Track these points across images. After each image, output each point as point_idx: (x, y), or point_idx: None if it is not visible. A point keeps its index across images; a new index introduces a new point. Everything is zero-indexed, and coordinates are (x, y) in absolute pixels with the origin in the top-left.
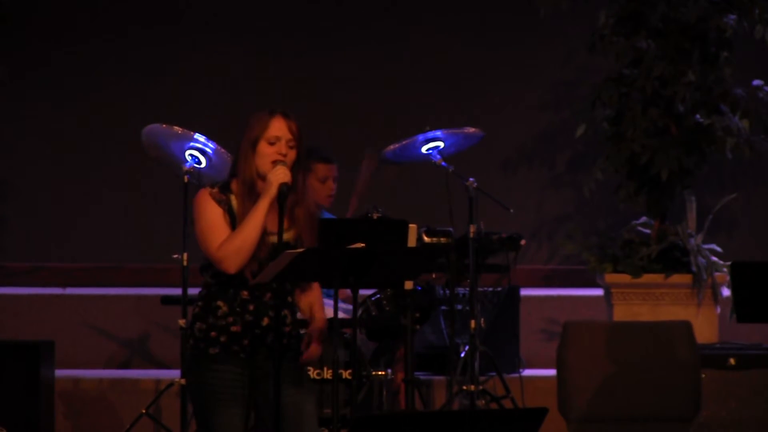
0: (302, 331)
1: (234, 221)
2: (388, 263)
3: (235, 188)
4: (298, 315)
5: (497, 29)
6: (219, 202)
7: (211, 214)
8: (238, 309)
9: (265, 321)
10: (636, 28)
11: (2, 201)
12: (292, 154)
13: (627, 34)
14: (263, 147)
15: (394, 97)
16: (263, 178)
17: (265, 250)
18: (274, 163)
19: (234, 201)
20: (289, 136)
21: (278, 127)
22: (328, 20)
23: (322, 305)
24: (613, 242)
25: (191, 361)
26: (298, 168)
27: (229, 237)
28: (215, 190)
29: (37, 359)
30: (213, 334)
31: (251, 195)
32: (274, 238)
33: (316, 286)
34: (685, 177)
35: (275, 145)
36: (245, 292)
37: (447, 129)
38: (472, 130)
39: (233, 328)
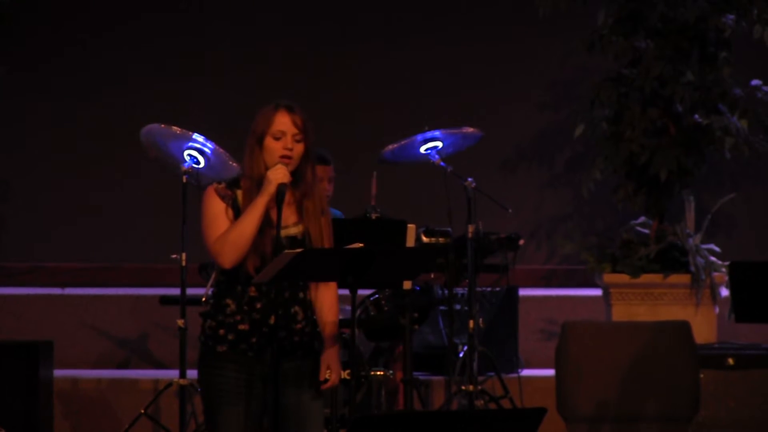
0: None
1: (238, 216)
2: (387, 263)
3: (243, 184)
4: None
5: (496, 29)
6: (223, 198)
7: (213, 208)
8: (245, 307)
9: (272, 319)
10: (635, 28)
11: (2, 201)
12: (299, 148)
13: (626, 34)
14: (269, 142)
15: (394, 96)
16: None
17: (269, 246)
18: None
19: (240, 196)
20: (294, 130)
21: (282, 122)
22: (328, 20)
23: (335, 309)
24: (611, 242)
25: (200, 359)
26: (307, 161)
27: (225, 231)
28: (221, 185)
29: (36, 359)
30: (221, 332)
31: (258, 190)
32: (283, 232)
33: (333, 285)
34: (683, 177)
35: (281, 140)
36: (253, 289)
37: (445, 129)
38: (470, 129)
39: (241, 327)
